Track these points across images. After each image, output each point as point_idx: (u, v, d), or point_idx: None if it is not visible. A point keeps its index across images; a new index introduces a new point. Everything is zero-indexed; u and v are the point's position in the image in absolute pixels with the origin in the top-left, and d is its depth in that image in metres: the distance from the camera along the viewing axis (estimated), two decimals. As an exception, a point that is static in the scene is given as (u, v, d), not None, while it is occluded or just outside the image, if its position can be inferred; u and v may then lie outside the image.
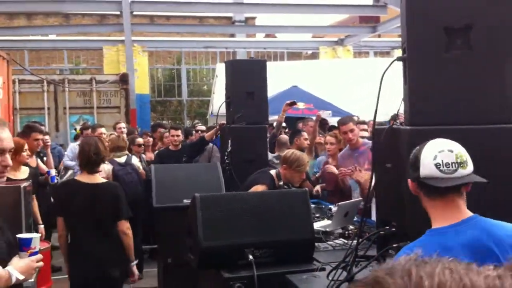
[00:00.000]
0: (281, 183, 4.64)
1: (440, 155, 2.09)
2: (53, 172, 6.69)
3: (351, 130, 5.39)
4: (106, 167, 6.60)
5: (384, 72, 2.72)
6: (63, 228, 4.34)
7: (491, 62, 2.60)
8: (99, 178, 4.47)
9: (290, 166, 4.60)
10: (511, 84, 2.60)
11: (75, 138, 9.70)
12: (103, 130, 7.96)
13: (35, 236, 2.69)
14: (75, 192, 4.30)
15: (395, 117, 3.17)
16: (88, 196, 4.27)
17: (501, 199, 2.50)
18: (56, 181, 6.63)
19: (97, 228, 4.28)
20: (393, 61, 2.74)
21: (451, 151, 2.10)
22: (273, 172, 4.72)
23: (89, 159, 4.31)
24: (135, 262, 4.50)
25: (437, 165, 2.09)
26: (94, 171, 4.37)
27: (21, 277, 2.50)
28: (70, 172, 7.65)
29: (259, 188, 4.44)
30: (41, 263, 2.67)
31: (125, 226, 4.34)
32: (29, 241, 2.64)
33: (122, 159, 6.95)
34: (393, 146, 2.82)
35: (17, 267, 2.51)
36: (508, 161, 2.55)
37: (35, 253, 2.65)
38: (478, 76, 2.59)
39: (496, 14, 2.60)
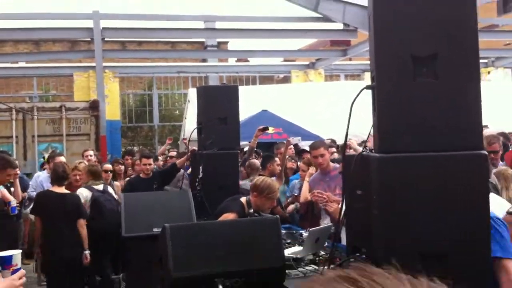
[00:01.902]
0: (251, 210, 4.58)
1: None
2: (13, 203, 6.54)
3: (322, 155, 5.41)
4: (84, 193, 6.54)
5: (354, 100, 2.74)
6: (40, 225, 6.13)
7: (456, 90, 2.63)
8: (65, 190, 6.24)
9: (260, 194, 4.55)
10: (476, 111, 2.63)
11: (42, 167, 9.55)
12: (62, 158, 7.94)
13: (15, 253, 2.64)
14: (49, 199, 6.11)
15: (364, 144, 3.18)
16: (58, 202, 6.06)
17: (475, 225, 2.51)
18: (16, 212, 6.51)
19: (64, 224, 6.03)
20: (362, 90, 2.76)
21: None
22: (243, 199, 4.67)
23: (58, 176, 6.21)
24: (88, 251, 6.17)
25: None
26: (61, 184, 6.22)
27: None
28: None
29: (228, 216, 4.38)
30: (23, 280, 2.60)
31: (83, 223, 6.16)
32: (10, 258, 2.60)
33: (99, 187, 6.87)
34: (363, 173, 2.82)
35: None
36: (477, 186, 2.56)
37: (17, 270, 2.61)
38: (444, 104, 2.62)
39: (460, 42, 2.64)
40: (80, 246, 6.12)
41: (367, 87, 2.83)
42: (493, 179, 4.73)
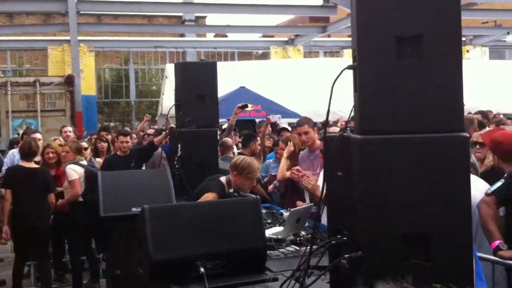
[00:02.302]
0: (231, 190, 4.55)
1: None
2: None
3: (306, 133, 5.35)
4: (78, 169, 6.45)
5: (335, 81, 2.70)
6: (9, 197, 6.34)
7: (441, 71, 2.61)
8: (34, 164, 6.50)
9: (240, 173, 4.51)
10: (458, 93, 2.62)
11: (12, 144, 9.24)
12: (37, 135, 7.86)
13: None
14: (19, 173, 6.41)
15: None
16: (27, 177, 6.33)
17: (457, 207, 2.52)
18: None
19: (33, 197, 6.27)
20: (343, 70, 2.72)
21: None
22: (223, 179, 4.63)
23: (25, 153, 6.45)
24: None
25: None
26: (30, 160, 6.46)
27: None
28: None
29: (209, 196, 4.34)
30: None
31: (52, 197, 6.45)
32: None
33: (84, 163, 6.79)
34: (344, 154, 2.80)
35: None
36: (458, 168, 2.56)
37: None
38: (428, 85, 2.59)
39: (446, 23, 2.61)
40: (48, 217, 6.46)
41: (349, 67, 2.78)
42: (473, 159, 4.77)
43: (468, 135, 2.66)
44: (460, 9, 2.71)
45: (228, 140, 7.13)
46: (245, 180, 4.53)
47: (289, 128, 8.10)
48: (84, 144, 7.50)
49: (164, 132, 7.20)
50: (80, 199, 6.51)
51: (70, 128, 8.69)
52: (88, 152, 7.48)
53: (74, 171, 6.51)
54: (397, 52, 2.60)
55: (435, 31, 2.60)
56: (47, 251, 6.59)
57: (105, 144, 8.32)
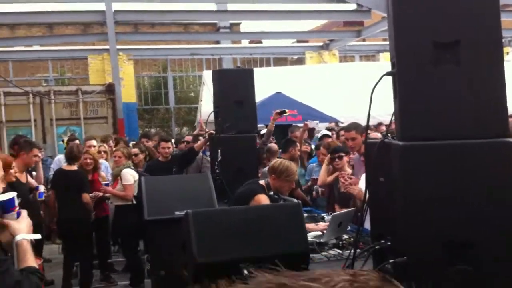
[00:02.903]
0: (271, 193, 4.63)
1: None
2: (41, 188, 6.69)
3: (352, 139, 5.35)
4: (135, 174, 6.76)
5: (374, 87, 2.74)
6: (53, 197, 6.88)
7: (479, 76, 2.61)
8: (74, 167, 6.88)
9: (279, 176, 4.59)
10: (501, 97, 2.62)
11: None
12: (93, 142, 8.01)
13: (12, 194, 2.57)
14: (60, 175, 6.94)
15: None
16: (66, 177, 6.79)
17: (501, 214, 2.52)
18: (43, 197, 6.65)
19: (69, 196, 6.69)
20: (382, 76, 2.75)
21: None
22: (262, 182, 4.72)
23: (68, 156, 6.93)
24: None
25: None
26: (71, 163, 6.88)
27: (33, 237, 2.49)
28: None
29: (261, 197, 4.39)
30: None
31: (86, 196, 6.70)
32: (12, 200, 2.54)
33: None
34: (385, 160, 2.82)
35: (24, 231, 2.47)
36: (502, 174, 2.56)
37: (19, 212, 2.57)
38: (467, 91, 2.59)
39: (483, 28, 2.62)
40: (84, 215, 6.77)
41: (388, 74, 2.81)
42: None
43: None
44: (499, 13, 2.71)
45: (274, 146, 7.21)
46: (283, 183, 4.60)
47: (330, 134, 8.10)
48: (136, 150, 7.69)
49: (203, 138, 7.33)
50: (134, 201, 6.71)
51: (93, 142, 8.15)
52: (141, 158, 7.66)
53: (131, 176, 6.73)
54: (435, 58, 2.61)
55: (473, 36, 2.59)
56: (86, 250, 6.81)
57: (143, 155, 8.50)
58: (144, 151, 7.90)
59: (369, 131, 7.36)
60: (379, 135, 5.10)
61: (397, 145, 2.71)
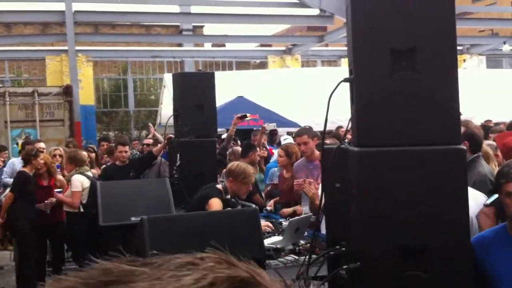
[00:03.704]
0: (228, 196, 4.60)
1: None
2: None
3: (304, 143, 5.37)
4: (85, 181, 6.44)
5: (332, 93, 2.73)
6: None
7: (435, 84, 2.64)
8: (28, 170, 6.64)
9: (236, 179, 4.57)
10: (454, 105, 2.65)
11: (20, 154, 9.24)
12: (41, 145, 7.76)
13: None
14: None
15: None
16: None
17: (454, 218, 2.55)
18: None
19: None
20: (340, 82, 2.75)
21: None
22: (219, 186, 4.69)
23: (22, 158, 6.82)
24: None
25: None
26: (25, 166, 6.66)
27: None
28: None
29: (214, 201, 4.37)
30: None
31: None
32: None
33: (89, 174, 6.78)
34: (342, 166, 2.82)
35: None
36: (455, 180, 2.59)
37: None
38: (422, 98, 2.62)
39: (440, 36, 2.64)
40: (17, 217, 6.53)
41: (345, 80, 2.82)
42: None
43: (464, 147, 2.68)
44: (455, 21, 2.75)
45: (238, 149, 7.15)
46: (241, 186, 4.58)
47: (291, 138, 8.10)
48: (85, 154, 7.50)
49: (162, 142, 7.23)
50: (81, 210, 6.53)
51: (42, 145, 8.00)
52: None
53: (80, 182, 6.51)
54: (392, 65, 2.64)
55: (430, 44, 2.64)
56: (24, 252, 6.59)
57: (93, 155, 8.32)
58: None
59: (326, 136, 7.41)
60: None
61: (352, 151, 2.72)
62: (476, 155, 4.18)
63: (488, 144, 5.30)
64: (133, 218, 4.56)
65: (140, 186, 5.53)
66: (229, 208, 4.35)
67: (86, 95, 16.02)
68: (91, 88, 17.24)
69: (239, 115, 7.21)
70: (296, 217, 4.41)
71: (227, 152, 7.05)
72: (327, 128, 9.70)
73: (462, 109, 5.23)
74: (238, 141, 8.07)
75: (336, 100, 2.82)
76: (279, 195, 6.12)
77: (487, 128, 7.12)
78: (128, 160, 7.21)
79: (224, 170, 6.27)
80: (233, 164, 4.82)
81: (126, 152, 7.20)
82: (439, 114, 2.62)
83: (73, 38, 14.74)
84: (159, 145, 7.54)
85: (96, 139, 12.21)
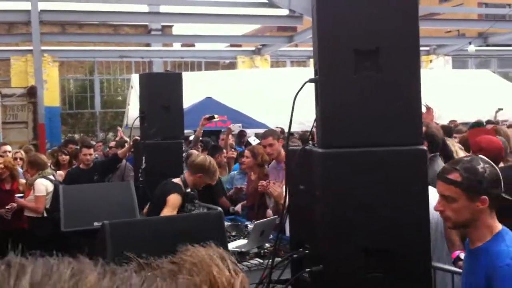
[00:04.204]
0: (188, 189, 4.58)
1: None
2: None
3: (270, 145, 5.33)
4: (49, 185, 6.26)
5: (297, 94, 2.70)
6: None
7: (399, 85, 2.64)
8: None
9: (195, 172, 4.56)
10: (416, 106, 2.65)
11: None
12: (7, 148, 7.52)
13: None
14: None
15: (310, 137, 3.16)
16: None
17: (416, 219, 2.54)
18: None
19: None
20: (305, 83, 2.73)
21: None
22: (177, 180, 4.65)
23: None
24: None
25: None
26: None
27: None
28: None
29: (171, 198, 4.33)
30: None
31: None
32: None
33: (52, 177, 6.59)
34: (306, 167, 2.79)
35: None
36: (416, 181, 2.58)
37: None
38: (386, 98, 2.62)
39: (403, 37, 2.64)
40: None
41: (310, 81, 2.80)
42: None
43: (425, 148, 2.68)
44: (417, 22, 2.75)
45: (194, 152, 7.05)
46: (200, 179, 4.58)
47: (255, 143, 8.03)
48: (44, 158, 7.28)
49: (128, 144, 7.09)
50: (44, 214, 6.35)
51: (8, 148, 7.68)
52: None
53: (44, 186, 6.33)
54: (356, 66, 2.62)
55: (393, 45, 2.63)
56: None
57: (67, 157, 8.12)
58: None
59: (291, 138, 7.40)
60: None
61: (317, 152, 2.70)
62: (433, 154, 4.21)
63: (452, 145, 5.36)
64: (95, 223, 4.45)
65: (104, 190, 5.41)
66: (192, 207, 4.29)
67: (51, 96, 15.71)
68: (57, 89, 16.92)
69: (206, 116, 7.14)
70: (261, 220, 4.36)
71: (183, 156, 6.95)
72: (296, 129, 9.66)
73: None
74: (206, 143, 7.93)
75: (304, 101, 2.80)
76: (246, 198, 6.06)
77: (448, 129, 7.16)
78: (92, 163, 7.06)
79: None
80: (193, 156, 4.80)
81: (90, 155, 7.05)
82: (402, 115, 2.62)
83: (39, 38, 14.45)
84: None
85: (61, 141, 11.94)
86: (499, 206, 2.31)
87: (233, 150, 7.64)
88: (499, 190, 2.27)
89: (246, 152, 6.21)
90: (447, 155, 4.47)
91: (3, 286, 0.57)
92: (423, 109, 5.36)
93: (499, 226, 2.29)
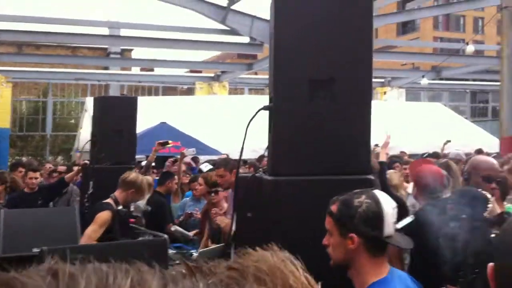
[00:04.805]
0: (120, 207, 4.49)
1: (394, 212, 2.01)
2: None
3: (221, 176, 5.20)
4: None
5: (250, 120, 2.66)
6: None
7: (351, 114, 2.66)
8: None
9: (128, 188, 4.56)
10: (366, 135, 2.66)
11: None
12: None
13: None
14: None
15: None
16: None
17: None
18: None
19: None
20: (259, 110, 2.70)
21: (395, 208, 2.03)
22: (108, 199, 4.59)
23: None
24: None
25: (394, 223, 2.01)
26: None
27: None
28: None
29: (103, 214, 4.26)
30: None
31: None
32: None
33: None
34: (255, 195, 2.75)
35: None
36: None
37: None
38: (337, 128, 2.64)
39: (357, 68, 2.68)
40: None
41: (264, 108, 2.77)
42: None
43: (372, 177, 2.67)
44: (371, 55, 2.78)
45: (149, 178, 6.86)
46: (131, 196, 4.57)
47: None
48: None
49: (76, 168, 6.88)
50: None
51: None
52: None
53: None
54: (310, 95, 2.63)
55: (347, 75, 2.65)
56: None
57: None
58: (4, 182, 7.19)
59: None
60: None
61: (267, 180, 2.66)
62: None
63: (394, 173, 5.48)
64: (35, 249, 4.25)
65: (47, 215, 5.20)
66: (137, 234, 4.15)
67: (1, 118, 15.28)
68: (8, 111, 16.47)
69: (161, 141, 7.03)
70: (207, 248, 4.25)
71: None
72: (250, 157, 9.54)
73: (380, 140, 5.28)
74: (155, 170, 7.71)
75: (260, 128, 2.77)
76: (201, 224, 5.93)
77: (392, 160, 7.19)
78: (37, 187, 6.79)
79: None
80: (125, 173, 4.78)
81: (36, 178, 6.77)
82: (352, 145, 2.64)
83: (-9, 58, 14.08)
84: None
85: (8, 165, 11.53)
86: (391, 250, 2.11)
87: (187, 175, 7.52)
88: (374, 231, 1.97)
89: (200, 179, 6.09)
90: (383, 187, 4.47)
91: None
92: (385, 137, 5.42)
93: (382, 274, 1.99)
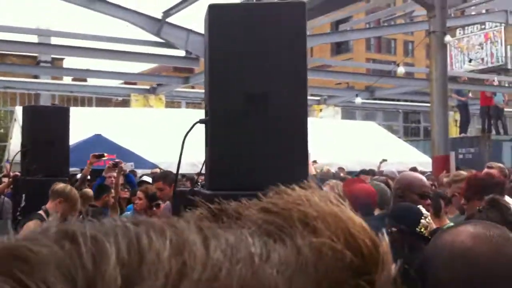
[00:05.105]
0: (51, 218, 4.40)
1: None
2: None
3: (160, 189, 5.20)
4: None
5: (186, 135, 2.69)
6: None
7: (287, 128, 2.70)
8: None
9: (56, 198, 4.57)
10: (303, 152, 2.72)
11: None
12: None
13: None
14: None
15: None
16: None
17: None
18: None
19: None
20: (195, 124, 2.72)
21: None
22: (40, 212, 4.58)
23: None
24: None
25: None
26: None
27: None
28: None
29: (28, 224, 4.23)
30: None
31: None
32: None
33: None
34: (193, 209, 2.75)
35: None
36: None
37: None
38: (273, 143, 2.66)
39: (292, 84, 2.72)
40: None
41: (200, 121, 2.80)
42: None
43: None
44: (306, 70, 2.85)
45: (89, 191, 6.71)
46: (61, 204, 4.55)
47: (149, 180, 7.78)
48: None
49: (7, 180, 6.65)
50: None
51: None
52: None
53: None
54: (245, 109, 2.66)
55: (281, 90, 2.70)
56: None
57: None
58: None
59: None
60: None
61: (204, 194, 2.68)
62: None
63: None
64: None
65: (-25, 229, 5.00)
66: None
67: None
68: None
69: (96, 154, 6.90)
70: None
71: None
72: (189, 171, 9.47)
73: (318, 156, 5.40)
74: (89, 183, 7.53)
75: (198, 142, 2.78)
76: None
77: (324, 177, 7.39)
78: (-37, 200, 6.50)
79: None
80: (56, 184, 4.77)
81: (-37, 191, 6.51)
82: (288, 159, 2.66)
83: None
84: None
85: None
86: None
87: (126, 190, 7.36)
88: None
89: (139, 193, 6.02)
90: None
91: (77, 273, 0.34)
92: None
93: None
